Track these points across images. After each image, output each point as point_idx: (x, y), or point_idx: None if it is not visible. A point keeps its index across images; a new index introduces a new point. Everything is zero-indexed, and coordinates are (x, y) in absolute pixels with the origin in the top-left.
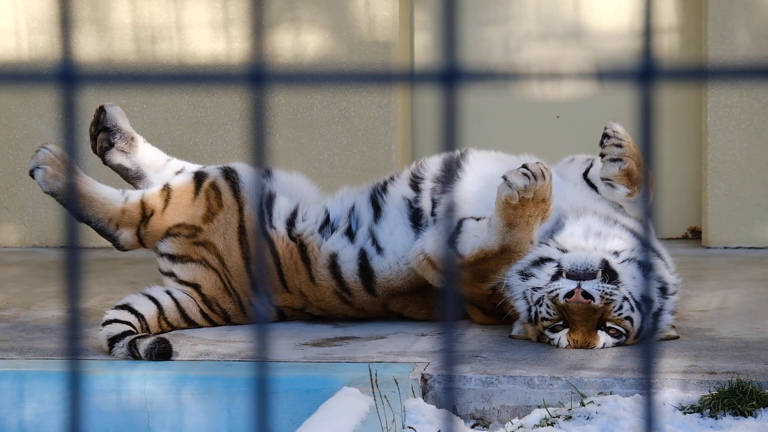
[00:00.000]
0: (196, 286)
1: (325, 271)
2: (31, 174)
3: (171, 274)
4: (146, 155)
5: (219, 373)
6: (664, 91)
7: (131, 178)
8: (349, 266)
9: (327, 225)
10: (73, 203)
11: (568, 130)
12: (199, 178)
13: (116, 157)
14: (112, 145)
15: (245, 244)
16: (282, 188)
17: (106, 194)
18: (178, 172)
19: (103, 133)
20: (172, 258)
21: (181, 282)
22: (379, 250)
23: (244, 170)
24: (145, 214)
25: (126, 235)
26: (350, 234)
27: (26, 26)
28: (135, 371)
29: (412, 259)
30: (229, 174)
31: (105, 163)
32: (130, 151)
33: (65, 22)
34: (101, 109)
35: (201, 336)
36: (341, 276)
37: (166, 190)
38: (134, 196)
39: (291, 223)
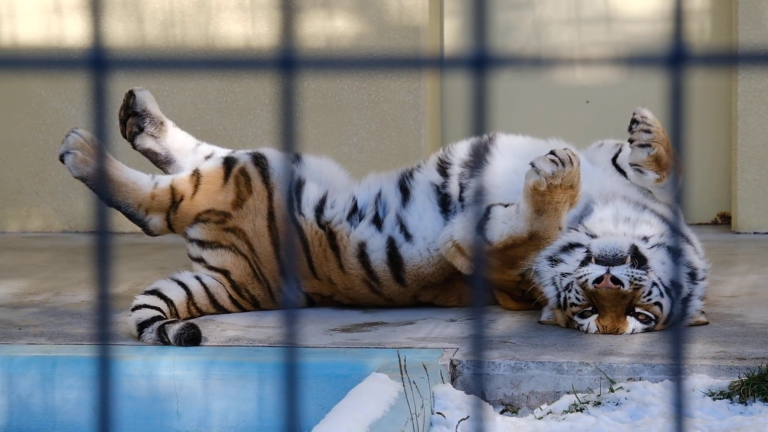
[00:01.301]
0: (225, 272)
1: (354, 260)
2: (61, 159)
3: (200, 260)
4: (176, 140)
5: (248, 358)
6: (695, 76)
7: (161, 162)
8: (377, 255)
9: (355, 213)
10: (102, 188)
11: (598, 115)
12: (228, 163)
13: (146, 142)
14: (141, 130)
15: (274, 231)
16: (311, 173)
17: (136, 179)
18: (208, 157)
19: (133, 118)
20: (202, 244)
21: (211, 268)
22: (408, 237)
23: (273, 156)
24: (175, 199)
25: (155, 220)
26: (377, 222)
27: (57, 11)
28: (164, 356)
29: (441, 245)
30: (259, 160)
31: (134, 147)
32: (160, 136)
33: (96, 6)
34: (131, 94)
35: (230, 321)
36: (370, 265)
37: (196, 175)
38: (164, 181)
39: (320, 210)
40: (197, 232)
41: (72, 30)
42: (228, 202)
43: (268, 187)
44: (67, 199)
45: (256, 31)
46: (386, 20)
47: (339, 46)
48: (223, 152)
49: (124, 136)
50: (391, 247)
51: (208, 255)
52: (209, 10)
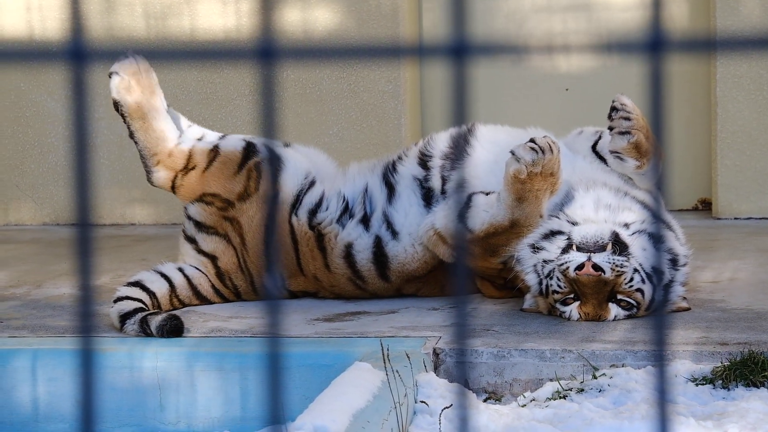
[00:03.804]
0: (213, 258)
1: (341, 261)
2: (109, 75)
3: (192, 241)
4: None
5: (231, 349)
6: (673, 62)
7: None
8: (363, 255)
9: (346, 212)
10: (132, 121)
11: (577, 103)
12: (247, 152)
13: None
14: None
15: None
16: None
17: (165, 130)
18: (198, 140)
19: None
20: (199, 225)
21: (200, 251)
22: (395, 234)
23: (290, 159)
24: (188, 165)
25: (162, 174)
26: (365, 221)
27: (36, 3)
28: (147, 348)
29: (422, 234)
30: (274, 161)
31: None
32: None
33: None
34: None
35: (212, 312)
36: (356, 265)
37: (215, 151)
38: (186, 143)
39: (313, 212)
40: (198, 212)
41: (51, 21)
42: (235, 192)
43: (274, 189)
44: (48, 192)
45: (235, 22)
46: (365, 9)
47: (318, 35)
48: (213, 135)
49: (116, 110)
50: (378, 246)
51: (201, 238)
52: (189, 1)
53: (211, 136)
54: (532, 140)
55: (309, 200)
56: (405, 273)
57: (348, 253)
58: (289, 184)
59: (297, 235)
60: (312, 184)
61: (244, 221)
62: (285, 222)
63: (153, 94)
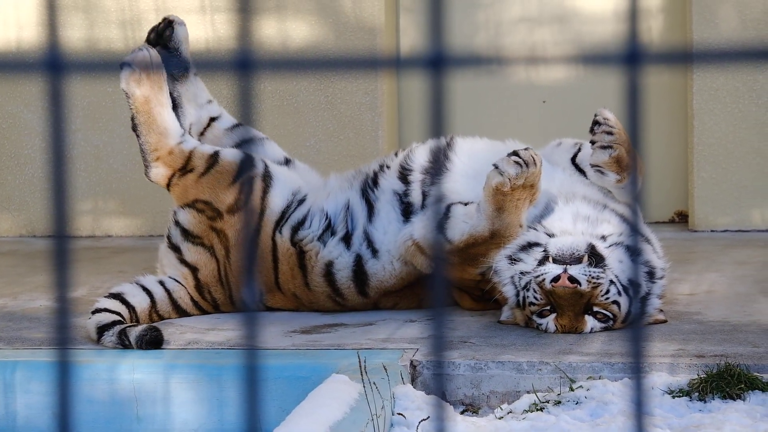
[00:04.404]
0: (194, 269)
1: (320, 279)
2: (121, 65)
3: (177, 249)
4: (190, 90)
5: (208, 361)
6: (650, 75)
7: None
8: (343, 273)
9: (328, 229)
10: (137, 114)
11: (554, 115)
12: (245, 165)
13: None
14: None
15: (253, 246)
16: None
17: (168, 128)
18: (213, 119)
19: (161, 49)
20: (186, 233)
21: (182, 261)
22: (375, 252)
23: (280, 178)
24: (186, 167)
25: (160, 171)
26: (347, 239)
27: (14, 14)
28: (124, 360)
29: (400, 244)
30: (266, 178)
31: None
32: (179, 80)
33: (51, 9)
34: (169, 24)
35: (190, 324)
36: (335, 283)
37: (215, 157)
38: (188, 144)
39: (296, 230)
40: (187, 219)
41: (28, 33)
42: (226, 203)
43: (262, 204)
44: (24, 203)
45: (213, 34)
46: (343, 21)
47: (296, 47)
48: (230, 119)
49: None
50: (358, 264)
51: (186, 247)
52: (165, 13)
53: (228, 119)
54: (515, 153)
55: (295, 217)
56: (383, 289)
57: (328, 271)
58: (276, 201)
59: (279, 252)
60: (301, 201)
61: (231, 234)
62: (268, 238)
63: (161, 89)
